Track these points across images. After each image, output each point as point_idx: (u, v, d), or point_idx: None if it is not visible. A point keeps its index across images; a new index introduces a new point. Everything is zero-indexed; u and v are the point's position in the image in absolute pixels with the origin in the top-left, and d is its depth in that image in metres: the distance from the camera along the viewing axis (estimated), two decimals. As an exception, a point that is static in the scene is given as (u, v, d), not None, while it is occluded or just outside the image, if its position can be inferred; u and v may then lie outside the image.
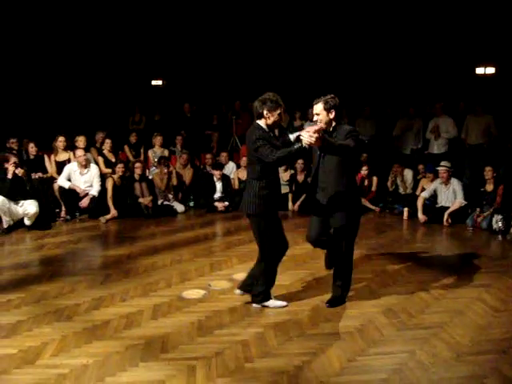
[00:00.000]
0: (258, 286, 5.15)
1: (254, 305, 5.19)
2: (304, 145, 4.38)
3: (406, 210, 9.71)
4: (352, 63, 13.99)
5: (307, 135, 4.26)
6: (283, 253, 5.10)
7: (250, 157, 4.95)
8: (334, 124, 4.86)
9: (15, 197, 8.53)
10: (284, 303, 5.21)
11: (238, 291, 5.35)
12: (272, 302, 5.17)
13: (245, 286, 5.29)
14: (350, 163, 4.93)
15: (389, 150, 12.05)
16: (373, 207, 10.39)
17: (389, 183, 10.68)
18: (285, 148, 4.70)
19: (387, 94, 13.73)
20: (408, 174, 10.62)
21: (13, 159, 8.58)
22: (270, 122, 4.83)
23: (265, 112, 4.81)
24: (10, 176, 8.47)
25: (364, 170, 10.54)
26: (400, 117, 12.06)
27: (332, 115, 4.82)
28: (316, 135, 4.25)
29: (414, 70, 13.62)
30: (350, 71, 14.02)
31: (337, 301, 5.23)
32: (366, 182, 10.56)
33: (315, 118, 4.86)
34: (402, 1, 13.26)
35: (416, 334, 4.56)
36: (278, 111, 4.82)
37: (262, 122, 4.86)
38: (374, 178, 10.62)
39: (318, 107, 4.85)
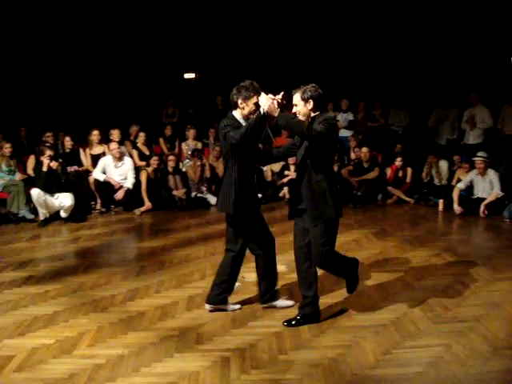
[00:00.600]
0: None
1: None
2: (262, 110, 4.14)
3: (441, 201, 9.59)
4: (387, 53, 13.83)
5: (264, 98, 4.10)
6: (271, 248, 4.82)
7: (223, 150, 4.70)
8: (312, 115, 4.37)
9: (51, 189, 8.69)
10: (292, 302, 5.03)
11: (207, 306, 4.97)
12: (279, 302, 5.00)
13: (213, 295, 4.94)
14: (322, 155, 4.31)
15: (424, 140, 11.91)
16: (407, 199, 10.30)
17: (424, 174, 10.56)
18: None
19: (422, 84, 13.55)
20: (443, 164, 10.47)
21: (48, 152, 8.73)
22: (245, 112, 4.55)
23: (239, 101, 4.55)
24: (44, 169, 8.61)
25: (398, 161, 10.45)
26: (435, 107, 11.90)
27: (310, 106, 4.32)
28: (271, 100, 4.10)
29: (449, 59, 13.40)
30: (384, 62, 13.87)
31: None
32: (401, 174, 10.47)
33: (294, 109, 4.40)
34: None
35: (452, 327, 4.49)
36: (254, 100, 4.47)
37: (237, 113, 4.61)
38: (409, 170, 10.51)
39: (296, 97, 4.38)
